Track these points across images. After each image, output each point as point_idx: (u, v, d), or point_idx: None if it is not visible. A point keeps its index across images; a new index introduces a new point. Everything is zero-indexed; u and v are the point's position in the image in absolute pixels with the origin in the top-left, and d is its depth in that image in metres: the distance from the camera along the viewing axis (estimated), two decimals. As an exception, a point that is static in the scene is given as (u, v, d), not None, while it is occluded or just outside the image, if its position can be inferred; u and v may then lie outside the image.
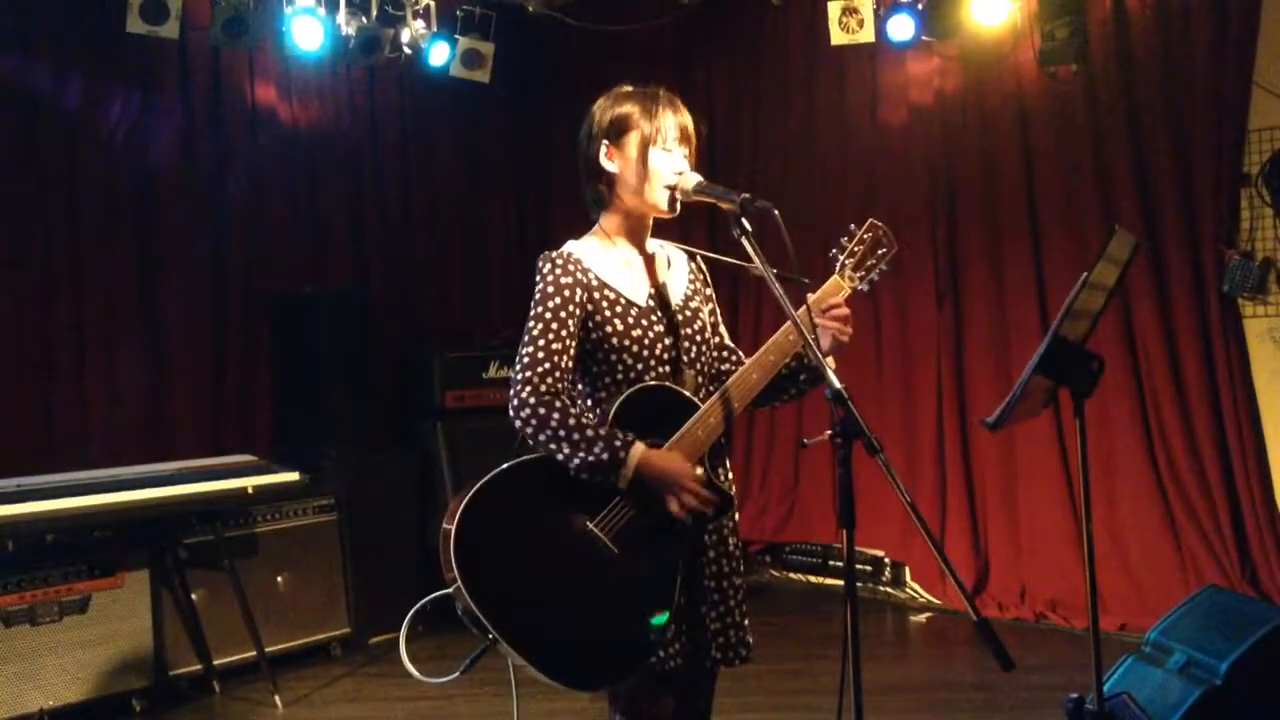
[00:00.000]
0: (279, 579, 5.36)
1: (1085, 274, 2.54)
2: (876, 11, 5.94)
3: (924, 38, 6.01)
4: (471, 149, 7.30)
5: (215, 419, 6.03)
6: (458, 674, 2.35)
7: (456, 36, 6.43)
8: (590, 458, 2.31)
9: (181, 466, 5.00)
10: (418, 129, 7.02)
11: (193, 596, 5.00)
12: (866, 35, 5.97)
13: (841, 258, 2.65)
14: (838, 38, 6.02)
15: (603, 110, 2.56)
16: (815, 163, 6.74)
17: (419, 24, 6.30)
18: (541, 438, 2.34)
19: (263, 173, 6.27)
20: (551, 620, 2.29)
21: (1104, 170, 5.67)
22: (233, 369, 6.12)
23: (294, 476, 5.11)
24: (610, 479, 2.33)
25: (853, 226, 2.69)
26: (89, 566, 4.68)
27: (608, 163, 2.52)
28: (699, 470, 2.41)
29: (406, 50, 6.30)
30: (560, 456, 2.33)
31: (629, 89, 2.58)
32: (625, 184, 2.52)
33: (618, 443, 2.32)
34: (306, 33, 5.84)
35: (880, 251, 2.68)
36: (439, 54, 6.37)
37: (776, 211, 2.31)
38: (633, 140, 2.50)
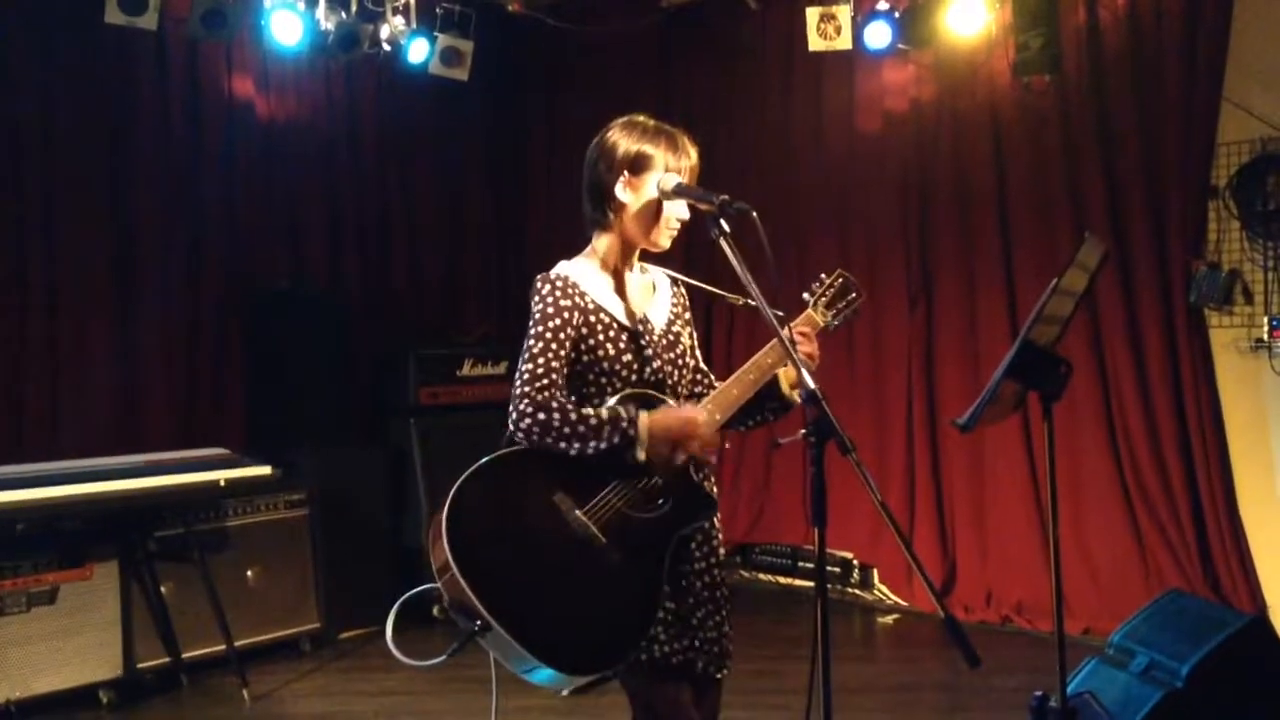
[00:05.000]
0: (249, 573, 5.35)
1: (1055, 279, 2.58)
2: (854, 19, 5.98)
3: (900, 46, 6.06)
4: (448, 147, 7.30)
5: (188, 412, 6.01)
6: (444, 658, 2.37)
7: (436, 34, 6.42)
8: (603, 443, 2.39)
9: (153, 459, 4.98)
10: (395, 126, 7.01)
11: (162, 589, 4.98)
12: (844, 42, 6.02)
13: (813, 298, 2.75)
14: (815, 44, 6.06)
15: (624, 140, 2.56)
16: (790, 167, 6.78)
17: (398, 20, 6.29)
18: (549, 440, 2.39)
19: (239, 167, 6.26)
20: (541, 606, 2.32)
21: (1074, 179, 5.74)
22: (206, 363, 6.10)
23: (266, 470, 5.12)
24: (629, 456, 2.40)
25: (823, 275, 2.79)
26: (58, 557, 4.66)
27: (623, 193, 2.54)
28: (705, 412, 2.50)
29: (385, 46, 6.28)
30: (573, 452, 2.39)
31: (651, 123, 2.59)
32: (632, 217, 2.56)
33: (624, 422, 2.40)
34: (285, 27, 5.82)
35: (850, 296, 2.78)
36: (418, 51, 6.36)
37: (755, 214, 2.35)
38: (652, 179, 2.53)
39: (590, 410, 2.42)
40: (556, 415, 2.39)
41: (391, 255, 7.01)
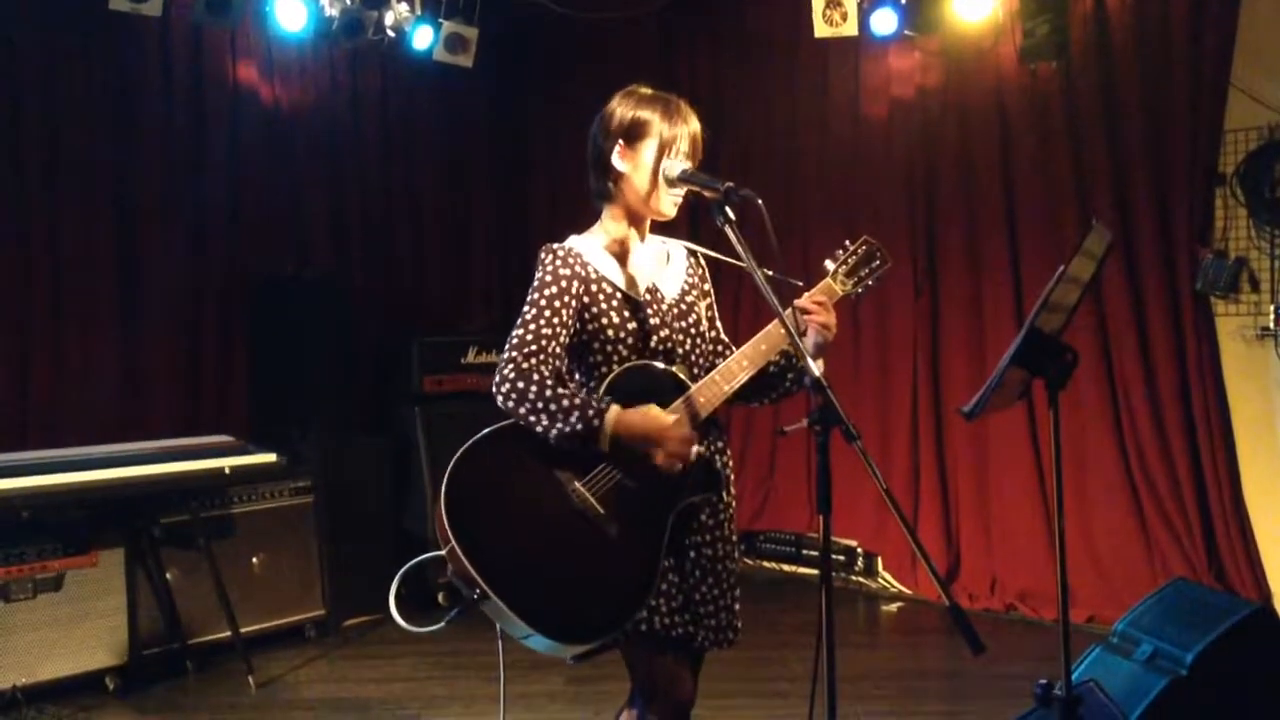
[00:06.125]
0: (254, 560, 5.36)
1: (1062, 267, 2.57)
2: (860, 5, 5.96)
3: (906, 32, 6.05)
4: (453, 133, 7.29)
5: (193, 399, 6.02)
6: (443, 624, 2.43)
7: (440, 20, 6.41)
8: (567, 428, 2.37)
9: (158, 446, 4.98)
10: (400, 112, 7.00)
11: (167, 576, 4.99)
12: (850, 28, 5.99)
13: (834, 266, 2.72)
14: (821, 30, 6.04)
15: (621, 109, 2.59)
16: (795, 154, 6.77)
17: (403, 7, 6.28)
18: (521, 410, 2.40)
19: (243, 154, 6.25)
20: (538, 575, 2.35)
21: (1080, 166, 5.72)
22: (211, 350, 6.11)
23: (271, 458, 5.12)
24: (590, 446, 2.39)
25: (847, 242, 2.76)
26: (64, 544, 4.67)
27: (620, 162, 2.56)
28: (678, 419, 2.47)
29: (390, 33, 6.28)
30: (539, 428, 2.39)
31: (648, 91, 2.62)
32: (632, 185, 2.57)
33: (592, 411, 2.38)
34: (290, 13, 5.83)
35: (874, 264, 2.75)
36: (422, 38, 6.35)
37: (760, 201, 2.34)
38: (648, 146, 2.55)
39: (566, 392, 2.42)
40: (534, 388, 2.39)
41: (395, 242, 7.01)
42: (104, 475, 4.61)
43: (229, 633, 5.01)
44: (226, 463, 4.98)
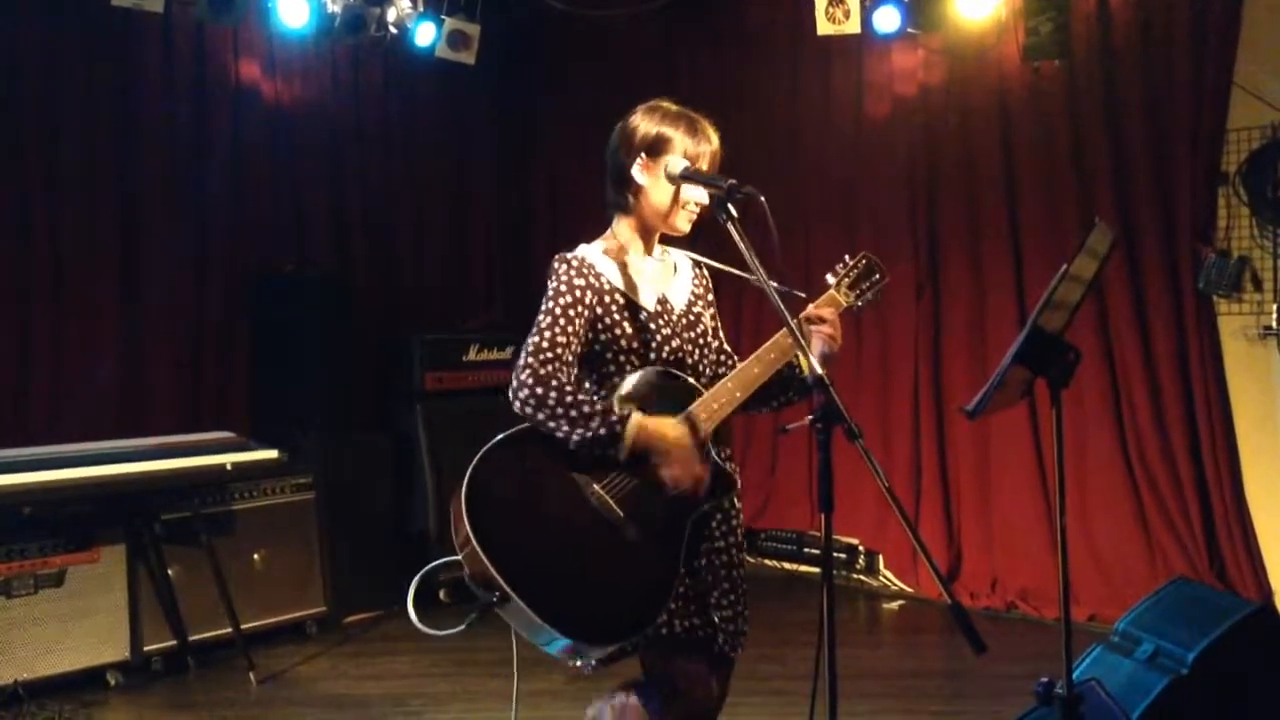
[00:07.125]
0: (255, 556, 5.36)
1: (1065, 265, 2.56)
2: (863, 2, 5.95)
3: (909, 30, 6.04)
4: (455, 131, 7.29)
5: (194, 396, 6.02)
6: (463, 626, 2.42)
7: (443, 17, 6.40)
8: (589, 433, 2.38)
9: (159, 442, 4.99)
10: (402, 109, 7.00)
11: (169, 572, 4.99)
12: (852, 26, 5.98)
13: (836, 279, 2.75)
14: (824, 28, 6.03)
15: (645, 124, 2.59)
16: (797, 153, 6.75)
17: (405, 3, 6.28)
18: (541, 416, 2.41)
19: (245, 150, 6.25)
20: (559, 578, 2.35)
21: (1083, 165, 5.72)
22: (212, 347, 6.11)
23: (272, 454, 5.12)
24: (610, 453, 2.40)
25: (847, 257, 2.78)
26: (65, 540, 4.68)
27: (640, 175, 2.57)
28: (699, 437, 2.47)
29: (392, 30, 6.28)
30: (560, 434, 2.40)
31: (673, 108, 2.63)
32: (650, 200, 2.58)
33: (614, 418, 2.39)
34: (292, 10, 5.83)
35: (874, 278, 2.78)
36: (424, 34, 6.35)
37: (763, 198, 2.34)
38: (669, 164, 2.55)
39: (586, 398, 2.42)
40: (554, 394, 2.40)
41: (396, 239, 7.00)
42: (105, 471, 4.62)
43: (230, 629, 5.01)
44: (228, 459, 4.98)
